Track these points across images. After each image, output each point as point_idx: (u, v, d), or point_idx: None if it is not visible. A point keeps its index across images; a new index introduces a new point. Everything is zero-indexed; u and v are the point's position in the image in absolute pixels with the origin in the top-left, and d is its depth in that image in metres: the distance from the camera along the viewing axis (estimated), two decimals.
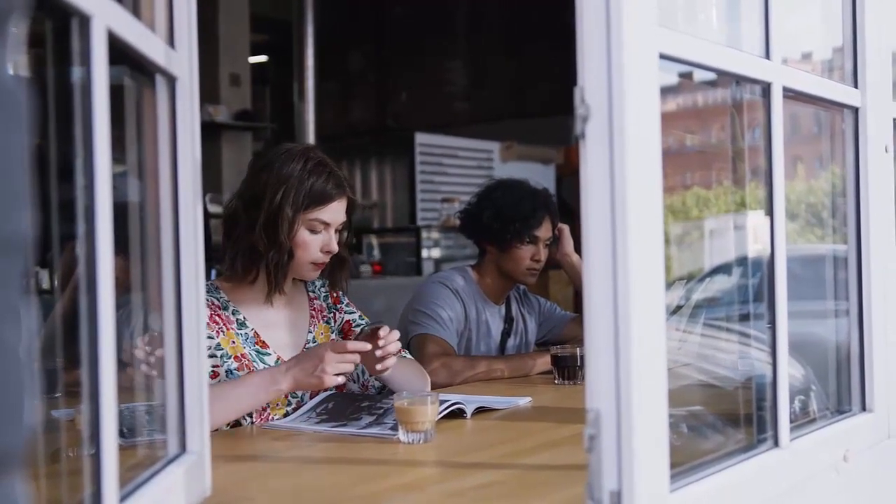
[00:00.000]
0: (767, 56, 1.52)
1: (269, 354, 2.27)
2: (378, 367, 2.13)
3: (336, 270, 2.37)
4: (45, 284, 2.14)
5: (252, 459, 1.84)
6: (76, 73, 0.99)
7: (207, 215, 4.90)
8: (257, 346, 2.26)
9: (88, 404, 0.98)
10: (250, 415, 2.17)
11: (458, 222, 3.21)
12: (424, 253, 7.51)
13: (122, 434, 1.11)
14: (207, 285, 2.20)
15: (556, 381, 2.67)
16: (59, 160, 1.01)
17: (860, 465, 1.72)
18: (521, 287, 3.17)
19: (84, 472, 1.02)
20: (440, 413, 2.00)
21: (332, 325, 2.45)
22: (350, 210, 2.32)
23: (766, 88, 1.52)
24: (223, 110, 7.46)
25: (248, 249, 2.22)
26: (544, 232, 2.98)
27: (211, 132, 7.38)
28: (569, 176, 8.17)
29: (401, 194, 8.63)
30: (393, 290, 6.26)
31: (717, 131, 2.10)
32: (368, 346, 1.97)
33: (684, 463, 1.32)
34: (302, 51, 8.24)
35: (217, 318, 2.21)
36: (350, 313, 2.48)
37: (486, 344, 3.04)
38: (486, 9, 9.65)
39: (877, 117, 1.83)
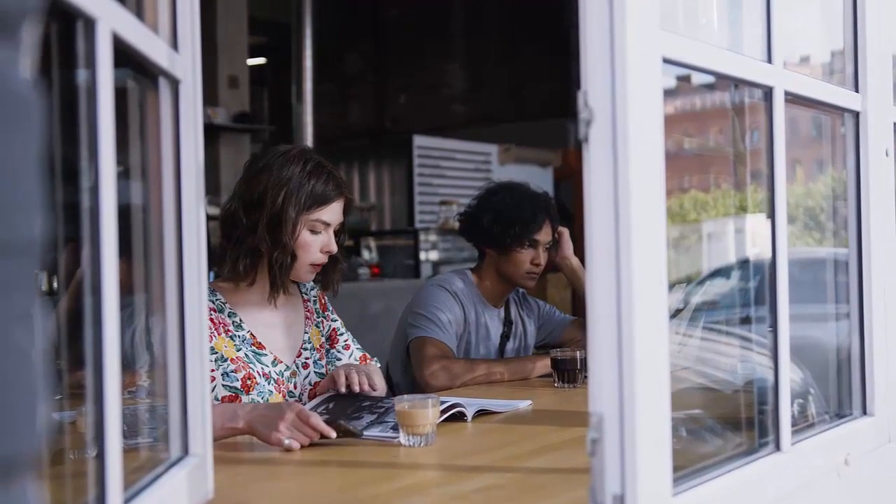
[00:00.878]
0: (769, 60, 1.52)
1: (266, 355, 2.27)
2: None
3: (329, 271, 2.37)
4: (44, 286, 2.14)
5: (253, 462, 1.84)
6: (81, 75, 0.99)
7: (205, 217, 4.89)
8: (254, 348, 2.26)
9: (93, 407, 0.97)
10: None
11: (457, 225, 3.21)
12: (422, 255, 7.50)
13: (122, 434, 1.11)
14: None
15: (555, 385, 2.67)
16: (61, 162, 1.01)
17: (861, 468, 1.72)
18: (521, 290, 3.16)
19: (87, 474, 1.02)
20: (441, 416, 2.00)
21: (321, 329, 2.46)
22: (346, 211, 2.33)
23: (768, 92, 1.52)
24: (221, 112, 7.45)
25: (250, 251, 2.23)
26: (544, 236, 2.98)
27: (209, 134, 7.37)
28: (567, 179, 8.17)
29: (399, 197, 8.62)
30: (391, 293, 6.25)
31: (715, 134, 2.11)
32: (333, 434, 1.87)
33: (686, 466, 1.32)
34: (300, 53, 8.24)
35: (211, 321, 2.21)
36: (334, 321, 2.50)
37: (486, 347, 3.04)
38: (483, 11, 9.66)
39: (877, 121, 1.83)
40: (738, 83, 1.58)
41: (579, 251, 3.09)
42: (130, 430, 1.35)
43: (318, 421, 1.88)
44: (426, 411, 1.86)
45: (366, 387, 2.14)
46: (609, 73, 1.16)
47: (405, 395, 1.97)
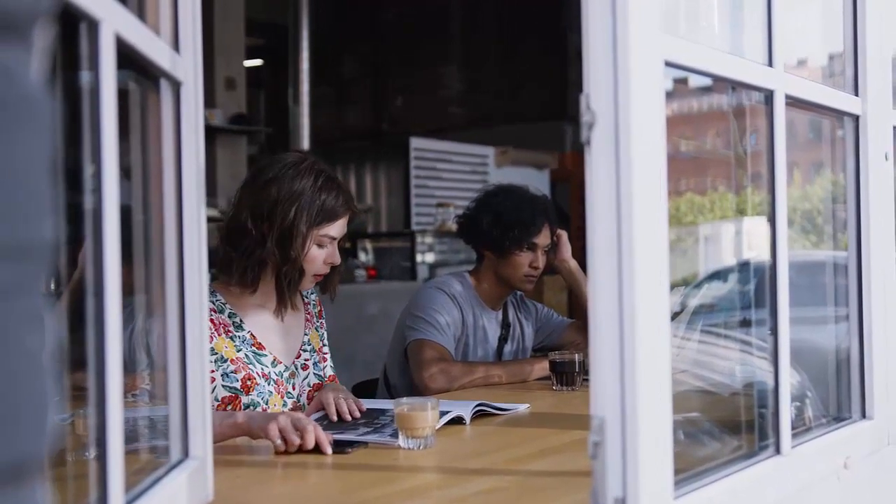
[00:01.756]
0: (770, 63, 1.52)
1: (266, 356, 2.28)
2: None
3: (329, 277, 2.38)
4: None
5: (253, 465, 1.83)
6: (84, 76, 0.99)
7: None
8: (254, 348, 2.27)
9: (95, 409, 0.97)
10: None
11: (454, 227, 3.21)
12: (419, 258, 7.49)
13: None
14: None
15: (554, 387, 2.67)
16: (63, 163, 1.01)
17: (861, 472, 1.73)
18: (519, 293, 3.16)
19: (87, 476, 1.02)
20: (439, 423, 1.99)
21: (320, 332, 2.48)
22: (350, 222, 2.35)
23: (769, 96, 1.52)
24: (218, 114, 7.44)
25: (258, 262, 2.24)
26: (543, 239, 2.98)
27: (205, 135, 7.35)
28: (563, 181, 8.17)
29: (395, 199, 8.62)
30: (387, 295, 6.25)
31: (712, 137, 2.11)
32: (329, 450, 1.85)
33: (687, 469, 1.32)
34: (297, 55, 8.24)
35: (211, 322, 2.21)
36: (325, 330, 2.52)
37: (484, 349, 3.03)
38: (481, 14, 9.67)
39: (877, 125, 1.83)
40: (739, 86, 1.59)
41: (575, 253, 3.11)
42: (131, 433, 1.35)
43: (318, 432, 1.86)
44: (425, 414, 1.86)
45: (356, 414, 2.15)
46: (611, 76, 1.16)
47: (404, 398, 1.97)
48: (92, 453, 1.08)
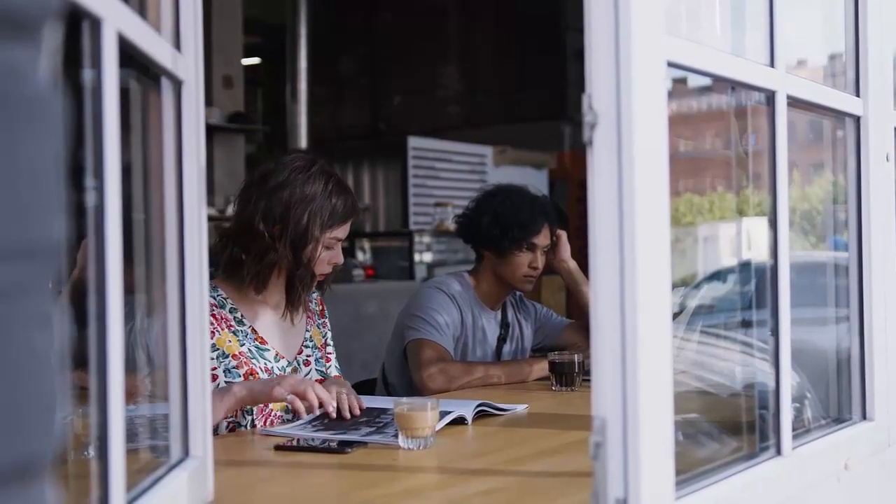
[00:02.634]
0: (772, 64, 1.52)
1: (269, 350, 2.29)
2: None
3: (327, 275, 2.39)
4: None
5: (252, 465, 1.83)
6: (86, 75, 0.98)
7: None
8: (257, 343, 2.28)
9: (96, 408, 0.97)
10: (251, 413, 2.18)
11: (452, 227, 3.21)
12: (417, 257, 7.49)
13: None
14: None
15: (553, 388, 2.67)
16: (67, 162, 1.00)
17: (861, 473, 1.73)
18: (518, 293, 3.16)
19: (87, 475, 1.02)
20: (441, 424, 1.99)
21: (323, 330, 2.50)
22: (352, 224, 2.37)
23: (771, 96, 1.52)
24: (216, 112, 7.43)
25: (270, 266, 2.26)
26: (543, 240, 2.98)
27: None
28: (561, 181, 8.17)
29: (393, 198, 8.61)
30: (385, 295, 6.25)
31: (712, 137, 2.11)
32: (333, 404, 2.06)
33: (688, 470, 1.32)
34: (295, 53, 8.23)
35: (212, 317, 2.22)
36: (329, 329, 2.54)
37: (483, 350, 3.03)
38: (478, 13, 9.66)
39: (878, 126, 1.83)
40: (740, 87, 1.58)
41: (573, 253, 3.11)
42: (131, 432, 1.35)
43: (321, 393, 2.03)
44: (425, 414, 1.86)
45: (356, 412, 2.15)
46: (614, 77, 1.16)
47: (404, 398, 1.97)
48: (91, 452, 1.08)
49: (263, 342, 2.30)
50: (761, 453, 1.51)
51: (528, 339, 3.17)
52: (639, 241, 1.14)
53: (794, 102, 1.57)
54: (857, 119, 1.82)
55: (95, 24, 0.97)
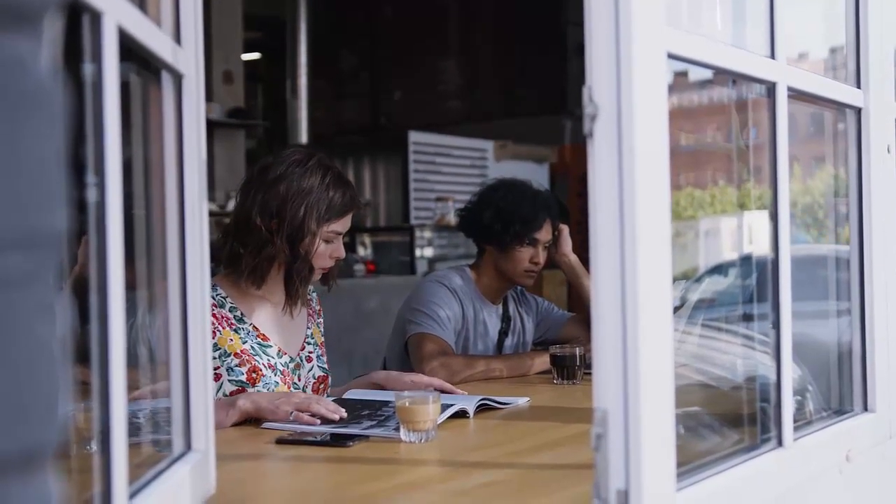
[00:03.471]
0: (772, 56, 1.52)
1: (271, 346, 2.30)
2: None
3: (330, 268, 2.39)
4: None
5: (255, 458, 1.83)
6: (87, 69, 0.98)
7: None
8: (259, 340, 2.28)
9: (98, 401, 0.97)
10: None
11: (453, 221, 3.21)
12: (418, 252, 7.49)
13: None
14: None
15: (555, 381, 2.67)
16: (67, 157, 1.00)
17: (863, 464, 1.73)
18: (519, 286, 3.16)
19: (90, 469, 1.02)
20: (442, 417, 1.99)
21: (321, 329, 2.50)
22: (353, 217, 2.36)
23: (771, 88, 1.52)
24: (216, 108, 7.43)
25: (268, 260, 2.26)
26: (544, 234, 2.98)
27: None
28: (562, 175, 8.17)
29: (394, 193, 8.62)
30: (387, 290, 6.25)
31: (713, 131, 2.11)
32: (341, 414, 2.04)
33: (689, 462, 1.32)
34: (295, 48, 8.24)
35: (213, 316, 2.22)
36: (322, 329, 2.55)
37: (484, 343, 3.03)
38: (479, 7, 9.65)
39: (879, 118, 1.83)
40: (741, 79, 1.58)
41: (574, 247, 3.11)
42: (133, 426, 1.35)
43: (327, 405, 2.03)
44: (427, 407, 1.86)
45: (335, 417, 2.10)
46: (614, 69, 1.16)
47: (405, 392, 1.97)
48: (94, 446, 1.08)
49: (265, 339, 2.30)
50: (762, 445, 1.51)
51: (529, 333, 3.17)
52: (639, 232, 1.14)
53: (794, 94, 1.57)
54: (858, 111, 1.82)
55: (96, 17, 0.97)
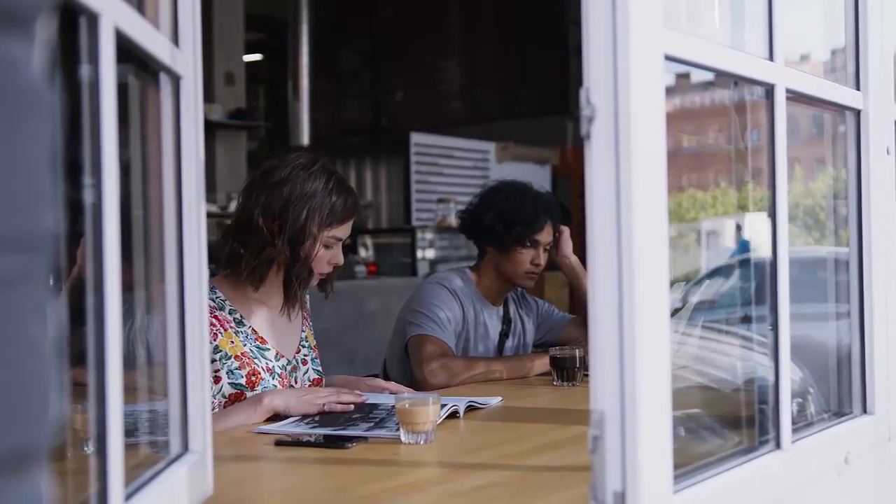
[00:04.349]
0: (771, 57, 1.52)
1: (269, 350, 2.30)
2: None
3: (328, 275, 2.40)
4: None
5: (252, 460, 1.83)
6: (84, 70, 0.98)
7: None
8: (257, 343, 2.29)
9: (95, 404, 0.97)
10: None
11: (455, 223, 3.21)
12: (419, 253, 7.49)
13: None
14: None
15: (554, 383, 2.67)
16: (63, 158, 1.00)
17: (861, 467, 1.73)
18: (520, 288, 3.16)
19: (86, 471, 1.02)
20: (441, 416, 1.99)
21: (313, 332, 2.52)
22: (354, 223, 2.38)
23: (770, 90, 1.52)
24: (217, 109, 7.44)
25: (267, 262, 2.27)
26: (545, 236, 2.98)
27: (205, 131, 7.34)
28: (564, 177, 8.17)
29: (395, 194, 8.62)
30: (387, 291, 6.25)
31: (714, 133, 2.11)
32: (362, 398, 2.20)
33: (687, 464, 1.32)
34: (297, 50, 8.24)
35: (214, 319, 2.23)
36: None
37: (484, 345, 3.03)
38: (480, 8, 9.66)
39: (879, 119, 1.83)
40: (739, 80, 1.58)
41: (576, 249, 3.11)
42: (129, 427, 1.35)
43: (351, 397, 2.15)
44: (426, 409, 1.86)
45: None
46: (612, 70, 1.15)
47: (405, 394, 1.97)
48: (90, 448, 1.08)
49: (263, 342, 2.31)
50: (760, 447, 1.51)
51: (529, 335, 3.17)
52: (636, 234, 1.14)
53: (793, 96, 1.57)
54: (858, 112, 1.81)
55: (93, 18, 0.97)
